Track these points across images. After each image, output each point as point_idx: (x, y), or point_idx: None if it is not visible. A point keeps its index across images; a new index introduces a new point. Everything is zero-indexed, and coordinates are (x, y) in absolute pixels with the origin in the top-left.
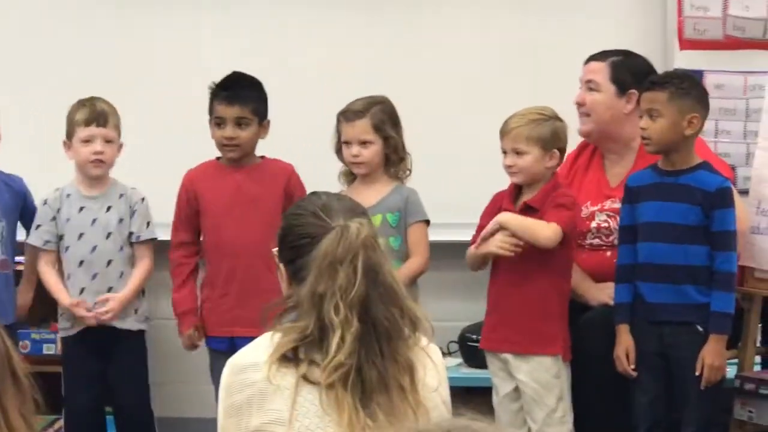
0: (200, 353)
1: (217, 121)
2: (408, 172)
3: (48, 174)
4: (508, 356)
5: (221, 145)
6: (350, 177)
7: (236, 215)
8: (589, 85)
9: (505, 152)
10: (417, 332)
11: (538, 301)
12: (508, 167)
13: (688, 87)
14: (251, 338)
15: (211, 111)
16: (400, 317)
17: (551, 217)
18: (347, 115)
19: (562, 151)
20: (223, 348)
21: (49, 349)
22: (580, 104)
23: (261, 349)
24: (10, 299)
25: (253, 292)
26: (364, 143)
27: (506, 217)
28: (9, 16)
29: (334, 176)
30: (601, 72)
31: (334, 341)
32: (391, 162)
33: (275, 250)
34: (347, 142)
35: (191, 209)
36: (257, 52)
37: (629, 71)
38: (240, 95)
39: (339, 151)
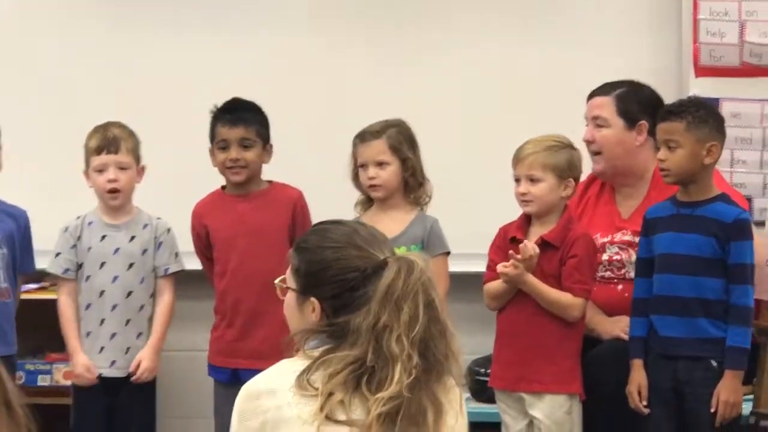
0: (206, 386)
1: (221, 145)
2: (428, 198)
3: (56, 208)
4: (523, 394)
5: (226, 168)
6: (366, 205)
7: (240, 246)
8: (597, 122)
9: (518, 180)
10: (448, 372)
11: (554, 338)
12: (521, 195)
13: (705, 115)
14: (253, 370)
15: (213, 135)
16: (446, 356)
17: (578, 285)
18: (363, 136)
19: (577, 180)
20: (224, 379)
21: (44, 380)
22: (589, 142)
23: (278, 375)
24: (11, 328)
25: (258, 324)
26: (380, 164)
27: (533, 284)
28: (18, 44)
29: (343, 202)
30: (607, 106)
31: (396, 373)
32: (410, 187)
33: (278, 280)
34: (363, 165)
35: (202, 241)
36: (259, 78)
37: (636, 102)
38: (243, 117)
39: (356, 178)
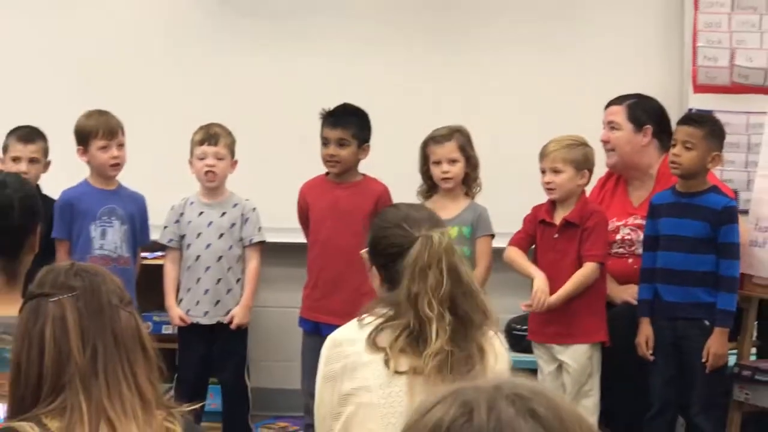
0: (289, 337)
1: (323, 141)
2: (479, 189)
3: (168, 195)
4: (554, 345)
5: (325, 161)
6: (427, 194)
7: (330, 224)
8: (611, 125)
9: (543, 171)
10: (486, 324)
11: (583, 297)
12: (546, 184)
13: (719, 131)
14: (333, 325)
15: (321, 134)
16: (476, 310)
17: (589, 251)
18: (437, 138)
19: (591, 171)
20: (308, 329)
21: (167, 329)
22: (605, 142)
23: (357, 328)
24: (131, 289)
25: (337, 289)
26: (452, 161)
27: (558, 299)
28: (138, 52)
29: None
30: (619, 113)
31: (433, 332)
32: (468, 180)
33: (363, 252)
34: (437, 162)
35: (303, 213)
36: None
37: (643, 110)
38: (342, 120)
39: (425, 172)
